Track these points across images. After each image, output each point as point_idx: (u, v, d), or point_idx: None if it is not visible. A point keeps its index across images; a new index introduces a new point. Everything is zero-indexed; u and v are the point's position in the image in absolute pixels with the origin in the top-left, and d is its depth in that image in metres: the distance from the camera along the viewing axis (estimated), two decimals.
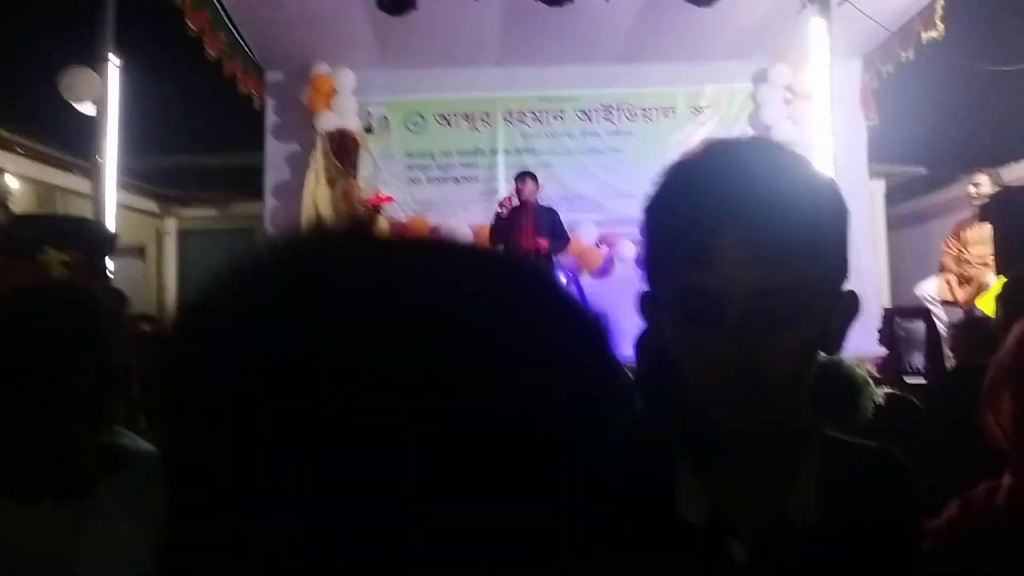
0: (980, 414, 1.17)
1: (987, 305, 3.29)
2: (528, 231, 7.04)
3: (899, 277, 9.42)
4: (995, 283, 3.25)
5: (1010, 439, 1.11)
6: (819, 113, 5.46)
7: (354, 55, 8.43)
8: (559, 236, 7.31)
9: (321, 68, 8.55)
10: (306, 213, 6.04)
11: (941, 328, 6.42)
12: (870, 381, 2.04)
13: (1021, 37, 7.25)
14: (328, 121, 8.49)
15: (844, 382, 2.01)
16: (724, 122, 8.91)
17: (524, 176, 7.41)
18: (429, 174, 8.94)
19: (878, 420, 2.00)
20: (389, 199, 7.66)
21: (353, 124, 8.67)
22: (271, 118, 8.87)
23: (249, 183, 9.32)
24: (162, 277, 10.71)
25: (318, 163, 6.10)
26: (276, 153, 8.83)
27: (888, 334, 3.80)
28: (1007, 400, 1.11)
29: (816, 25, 5.38)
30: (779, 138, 8.55)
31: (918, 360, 3.13)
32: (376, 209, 6.26)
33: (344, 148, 6.10)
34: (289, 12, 7.31)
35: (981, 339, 3.57)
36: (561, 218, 7.51)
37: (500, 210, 7.29)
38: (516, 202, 7.30)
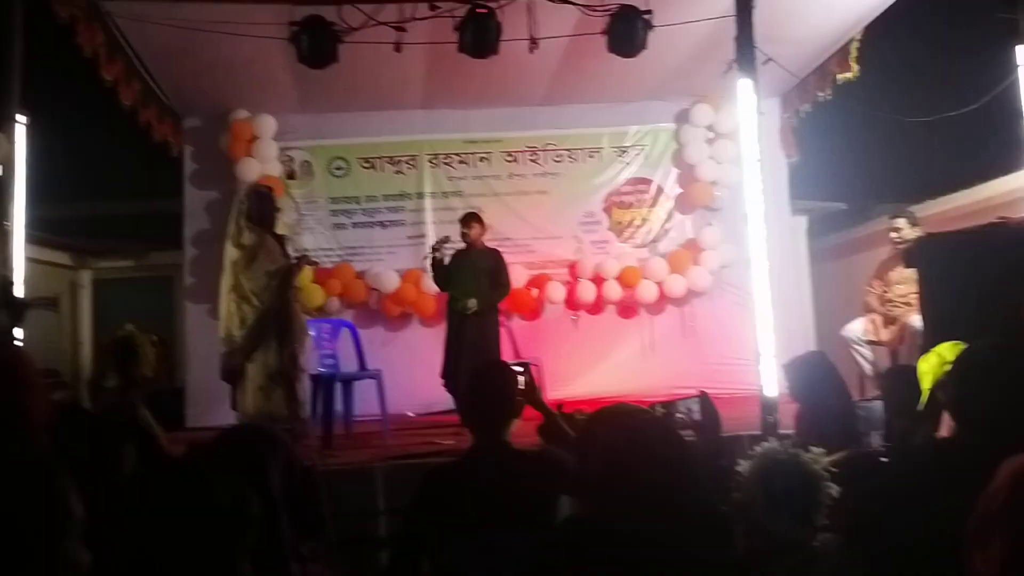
0: (966, 552, 1.12)
1: (928, 369, 3.29)
2: (472, 276, 6.83)
3: (822, 309, 9.58)
4: (944, 348, 3.24)
5: None
6: (747, 155, 5.52)
7: (274, 100, 8.27)
8: (499, 284, 6.99)
9: (240, 114, 8.38)
10: (225, 278, 5.84)
11: (867, 368, 6.54)
12: (826, 474, 1.99)
13: (931, 89, 7.52)
14: (249, 167, 8.31)
15: (802, 478, 1.97)
16: (649, 162, 8.98)
17: (468, 218, 7.13)
18: (354, 219, 8.81)
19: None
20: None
21: (275, 170, 8.50)
22: (189, 165, 8.64)
23: (167, 232, 9.05)
24: (76, 329, 10.31)
25: (231, 229, 5.91)
26: (195, 201, 8.60)
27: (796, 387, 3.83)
28: (997, 545, 1.06)
29: (743, 85, 5.44)
30: (702, 176, 8.68)
31: (876, 440, 3.12)
32: (302, 261, 6.09)
33: (261, 207, 5.90)
34: (205, 60, 7.12)
35: (909, 388, 3.59)
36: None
37: (436, 253, 7.03)
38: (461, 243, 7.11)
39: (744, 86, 5.44)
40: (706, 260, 8.71)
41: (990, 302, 4.30)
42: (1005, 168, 7.67)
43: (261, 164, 8.40)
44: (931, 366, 3.28)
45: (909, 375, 3.74)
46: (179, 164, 8.64)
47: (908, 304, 6.20)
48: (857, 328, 6.60)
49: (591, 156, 8.99)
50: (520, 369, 3.20)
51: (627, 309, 8.84)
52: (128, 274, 10.60)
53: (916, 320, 5.77)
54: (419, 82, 7.96)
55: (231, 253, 5.77)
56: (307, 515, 2.42)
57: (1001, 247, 4.66)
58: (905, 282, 6.28)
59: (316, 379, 6.38)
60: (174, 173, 8.70)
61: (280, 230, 6.55)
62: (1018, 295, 4.09)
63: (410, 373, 8.00)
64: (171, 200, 8.86)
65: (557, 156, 8.95)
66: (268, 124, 8.46)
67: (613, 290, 8.65)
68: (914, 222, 6.54)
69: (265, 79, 7.73)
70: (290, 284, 5.88)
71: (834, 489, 1.98)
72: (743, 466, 2.07)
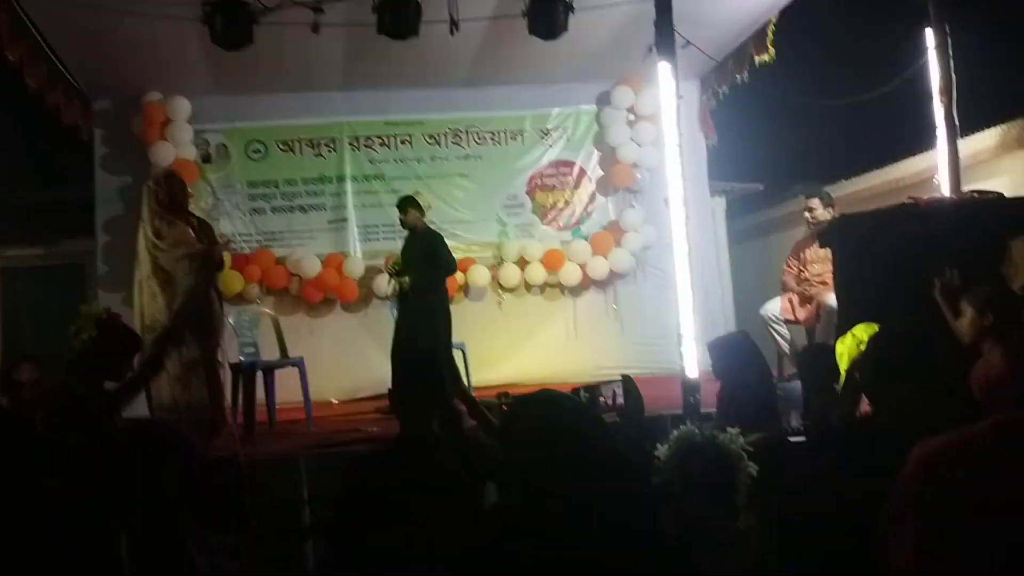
0: (881, 535, 1.13)
1: (845, 351, 3.37)
2: (409, 259, 6.71)
3: (741, 289, 9.78)
4: (859, 329, 3.32)
5: (913, 570, 1.08)
6: (667, 137, 5.56)
7: (188, 82, 8.04)
8: (435, 263, 6.62)
9: (153, 96, 8.13)
10: (142, 266, 5.62)
11: (784, 346, 6.68)
12: (744, 455, 2.03)
13: (844, 72, 7.71)
14: (162, 151, 8.08)
15: (719, 460, 2.00)
16: (571, 145, 9.00)
17: (402, 203, 6.81)
18: (273, 203, 8.63)
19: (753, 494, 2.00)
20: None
21: (189, 154, 8.27)
22: (100, 150, 8.34)
23: (78, 219, 8.76)
24: None
25: (145, 216, 5.66)
26: (107, 186, 8.31)
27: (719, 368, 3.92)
28: (911, 529, 1.08)
29: (663, 68, 5.46)
30: (624, 158, 8.74)
31: (795, 419, 3.20)
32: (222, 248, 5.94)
33: (171, 191, 5.69)
34: (115, 40, 6.88)
35: (826, 366, 3.69)
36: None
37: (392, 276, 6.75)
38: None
39: (664, 69, 5.47)
40: (628, 242, 8.79)
41: (902, 281, 4.44)
42: (915, 149, 7.91)
43: (175, 148, 8.17)
44: (847, 347, 3.37)
45: (826, 353, 3.84)
46: (89, 148, 8.34)
47: (824, 283, 6.35)
48: (774, 307, 6.73)
49: (514, 138, 8.97)
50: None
51: (551, 291, 8.88)
52: (37, 263, 10.23)
53: (831, 299, 5.91)
54: (338, 63, 7.82)
55: (145, 239, 5.58)
56: (216, 508, 2.39)
57: (911, 227, 4.82)
58: (820, 261, 6.43)
59: (237, 368, 6.26)
60: (84, 158, 8.40)
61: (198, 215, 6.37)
62: (927, 274, 4.22)
63: (333, 359, 7.91)
64: (82, 185, 8.56)
65: (479, 138, 8.91)
66: (182, 106, 8.22)
67: (537, 273, 8.68)
68: (828, 202, 6.68)
69: (178, 60, 7.50)
70: (211, 267, 5.72)
71: (753, 468, 2.02)
72: (661, 451, 2.09)
